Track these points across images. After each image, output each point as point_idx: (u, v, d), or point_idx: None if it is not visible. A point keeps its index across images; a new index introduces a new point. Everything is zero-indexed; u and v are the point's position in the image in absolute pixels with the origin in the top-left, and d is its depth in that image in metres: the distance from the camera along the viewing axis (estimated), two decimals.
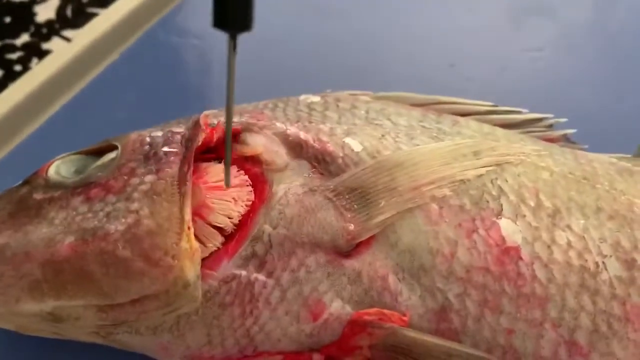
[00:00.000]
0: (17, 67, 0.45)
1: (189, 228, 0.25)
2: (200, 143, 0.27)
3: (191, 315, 0.25)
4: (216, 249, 0.26)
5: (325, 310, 0.25)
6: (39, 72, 0.42)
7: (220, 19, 0.20)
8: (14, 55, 0.46)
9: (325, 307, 0.25)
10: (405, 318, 0.25)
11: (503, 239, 0.26)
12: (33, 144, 0.40)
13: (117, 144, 0.28)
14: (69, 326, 0.26)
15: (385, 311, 0.25)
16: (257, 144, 0.28)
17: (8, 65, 0.45)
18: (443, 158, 0.28)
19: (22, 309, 0.25)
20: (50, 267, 0.24)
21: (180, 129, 0.28)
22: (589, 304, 0.26)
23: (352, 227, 0.26)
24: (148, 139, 0.28)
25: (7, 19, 0.48)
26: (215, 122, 0.29)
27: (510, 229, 0.26)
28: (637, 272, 0.26)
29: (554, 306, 0.25)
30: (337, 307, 0.25)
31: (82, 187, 0.26)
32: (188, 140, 0.27)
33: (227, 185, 0.25)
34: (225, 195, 0.26)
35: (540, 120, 0.34)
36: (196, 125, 0.28)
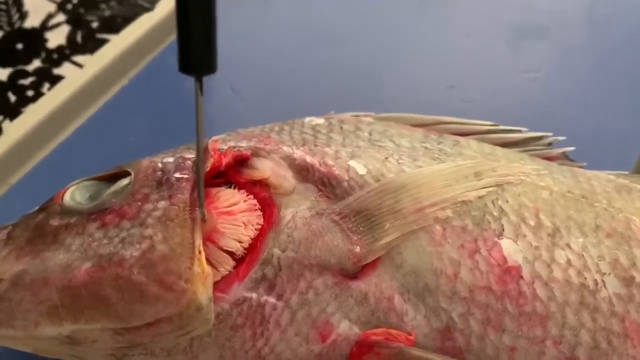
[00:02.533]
0: (30, 93, 0.46)
1: (200, 252, 0.25)
2: (208, 169, 0.28)
3: (204, 337, 0.26)
4: (228, 272, 0.26)
5: (333, 331, 0.26)
6: (52, 98, 0.43)
7: (185, 64, 0.22)
8: (26, 81, 0.47)
9: (333, 328, 0.26)
10: (411, 337, 0.26)
11: (504, 258, 0.27)
12: (46, 168, 0.41)
13: (129, 170, 0.29)
14: (86, 348, 0.27)
15: (392, 331, 0.26)
16: (265, 168, 0.29)
17: (21, 90, 0.46)
18: (445, 180, 0.28)
19: (41, 333, 0.26)
20: (67, 293, 0.25)
21: (190, 154, 0.29)
22: (589, 321, 0.26)
23: (358, 249, 0.27)
24: (160, 165, 0.29)
25: (19, 46, 0.49)
26: (225, 147, 0.30)
27: (511, 249, 0.27)
28: (635, 289, 0.27)
29: (554, 324, 0.26)
30: (345, 328, 0.26)
31: (97, 213, 0.27)
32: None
33: (203, 221, 0.26)
34: (236, 220, 0.27)
35: (539, 138, 0.35)
36: (205, 151, 0.29)
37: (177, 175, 0.28)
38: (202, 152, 0.26)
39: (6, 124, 0.44)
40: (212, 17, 0.21)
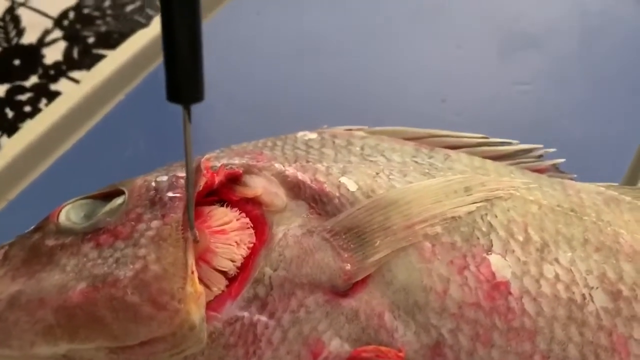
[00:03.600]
0: (27, 108, 0.47)
1: (192, 272, 0.26)
2: (201, 188, 0.28)
3: (197, 356, 0.26)
4: (220, 291, 0.27)
5: (324, 349, 0.26)
6: (50, 114, 0.44)
7: (173, 93, 0.22)
8: (23, 97, 0.48)
9: (324, 346, 0.26)
10: (401, 354, 0.26)
11: (493, 274, 0.27)
12: (45, 183, 0.42)
13: (124, 189, 0.29)
14: None
15: (382, 348, 0.26)
16: (257, 186, 0.29)
17: (18, 106, 0.47)
18: (435, 195, 0.29)
19: (37, 353, 0.26)
20: (63, 313, 0.25)
21: (184, 173, 0.29)
22: (577, 335, 0.27)
23: (348, 267, 0.27)
24: (153, 184, 0.29)
25: (16, 62, 0.50)
26: (217, 164, 0.30)
27: (499, 265, 0.27)
28: (622, 303, 0.27)
29: (543, 338, 0.26)
30: (336, 346, 0.26)
31: (92, 233, 0.27)
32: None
33: (196, 241, 0.26)
34: (229, 239, 0.27)
35: (530, 151, 0.35)
36: (197, 169, 0.29)
37: (170, 194, 0.28)
38: (192, 175, 0.26)
39: (4, 140, 0.45)
40: (198, 46, 0.22)
